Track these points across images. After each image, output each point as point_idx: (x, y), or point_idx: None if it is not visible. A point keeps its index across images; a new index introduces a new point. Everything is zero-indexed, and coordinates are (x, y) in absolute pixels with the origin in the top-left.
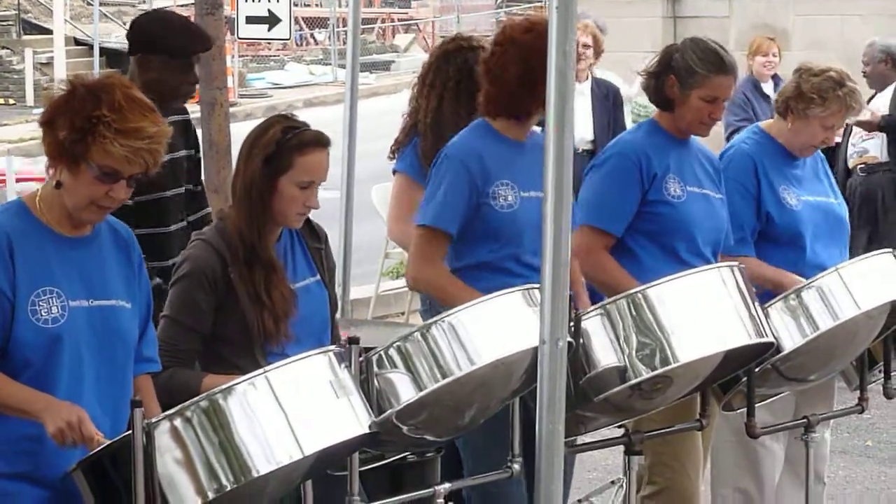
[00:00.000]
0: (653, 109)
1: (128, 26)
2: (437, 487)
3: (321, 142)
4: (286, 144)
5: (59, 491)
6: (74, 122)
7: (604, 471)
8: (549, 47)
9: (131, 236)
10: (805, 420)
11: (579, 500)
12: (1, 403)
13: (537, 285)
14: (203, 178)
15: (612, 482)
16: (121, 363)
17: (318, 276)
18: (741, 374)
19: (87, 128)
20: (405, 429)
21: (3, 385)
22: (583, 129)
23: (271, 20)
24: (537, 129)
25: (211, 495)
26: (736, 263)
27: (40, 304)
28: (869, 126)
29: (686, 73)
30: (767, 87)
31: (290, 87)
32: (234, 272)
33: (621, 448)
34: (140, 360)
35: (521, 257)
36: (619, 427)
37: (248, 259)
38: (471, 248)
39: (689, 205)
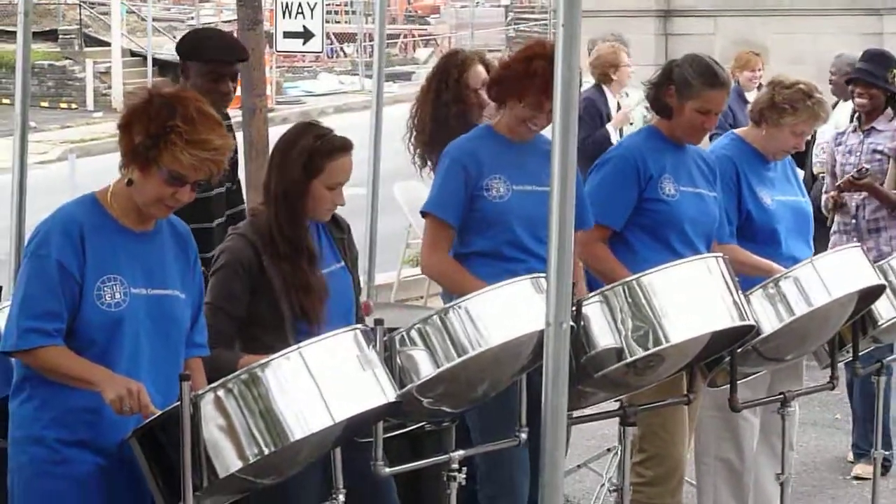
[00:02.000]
0: None
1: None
2: (452, 454)
3: (346, 147)
4: (318, 151)
5: (114, 458)
6: (150, 129)
7: (601, 439)
8: (555, 60)
9: (188, 233)
10: (782, 395)
11: (579, 465)
12: (66, 374)
13: (543, 274)
14: (244, 176)
15: (609, 450)
16: (173, 346)
17: (343, 263)
18: (725, 353)
19: (161, 135)
20: (424, 401)
21: (69, 359)
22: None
23: (306, 35)
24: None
25: (251, 459)
26: (721, 254)
27: (105, 289)
28: None
29: (683, 86)
30: (751, 96)
31: (321, 95)
32: (266, 260)
33: (616, 419)
34: (191, 344)
35: (515, 242)
36: (616, 401)
37: (289, 251)
38: (471, 237)
39: (681, 203)
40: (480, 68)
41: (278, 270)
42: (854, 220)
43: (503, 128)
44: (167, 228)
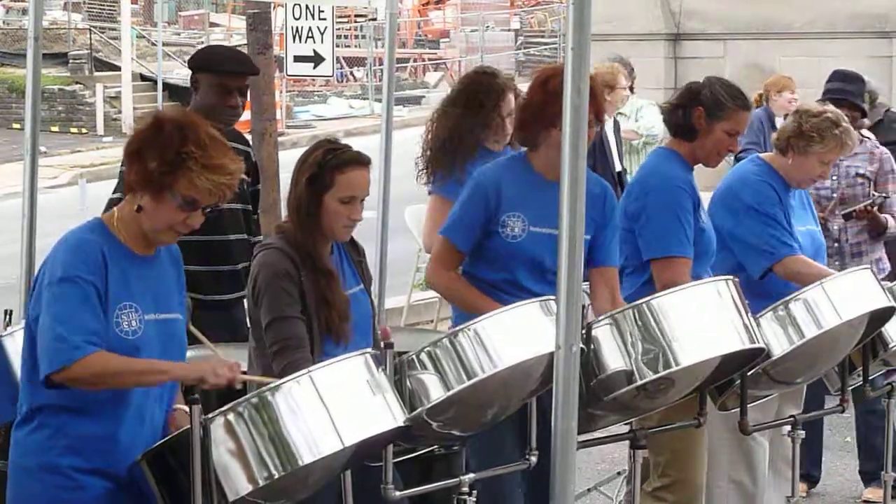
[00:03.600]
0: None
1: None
2: (462, 477)
3: (359, 160)
4: (327, 165)
5: (125, 483)
6: (165, 156)
7: (611, 462)
8: (564, 85)
9: (179, 254)
10: (792, 418)
11: (589, 489)
12: (131, 370)
13: (553, 297)
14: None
15: (619, 473)
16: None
17: (362, 286)
18: (735, 377)
19: (178, 162)
20: (434, 425)
21: (126, 358)
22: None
23: (316, 59)
24: None
25: (261, 482)
26: (731, 277)
27: (123, 316)
28: None
29: (715, 107)
30: (779, 122)
31: (331, 119)
32: (304, 274)
33: (626, 442)
34: None
35: (515, 282)
36: (625, 424)
37: (312, 265)
38: (476, 262)
39: (707, 231)
40: (511, 96)
41: (312, 285)
42: (837, 244)
43: (540, 165)
44: (164, 251)
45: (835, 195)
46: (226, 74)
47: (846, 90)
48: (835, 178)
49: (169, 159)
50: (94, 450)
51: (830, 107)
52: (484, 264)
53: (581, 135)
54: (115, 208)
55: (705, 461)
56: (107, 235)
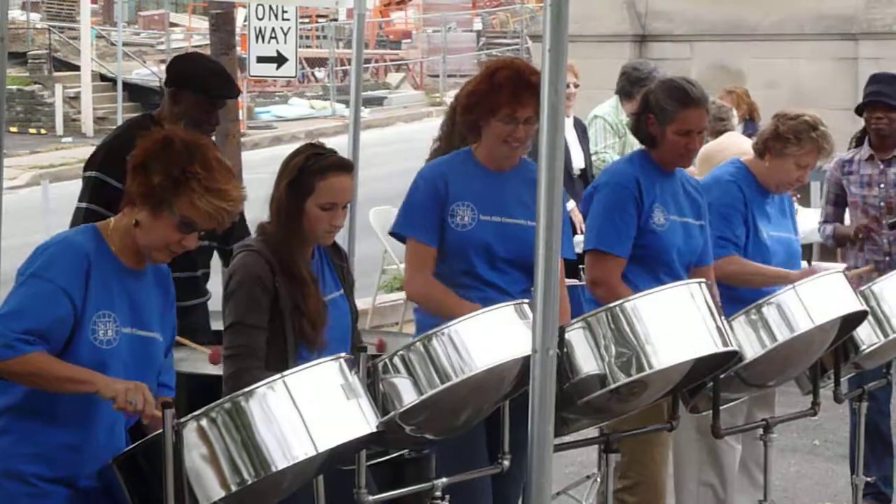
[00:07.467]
0: None
1: (167, 62)
2: (435, 482)
3: (342, 167)
4: (308, 170)
5: (90, 492)
6: (172, 172)
7: (580, 466)
8: (541, 85)
9: (169, 274)
10: (764, 422)
11: (557, 493)
12: (58, 376)
13: (526, 300)
14: None
15: (588, 477)
16: (148, 386)
17: (342, 291)
18: (707, 380)
19: (182, 180)
20: (407, 428)
21: (58, 362)
22: (576, 158)
23: (279, 60)
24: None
25: (234, 488)
26: (703, 280)
27: (100, 324)
28: None
29: (659, 112)
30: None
31: (293, 120)
32: (279, 280)
33: (594, 446)
34: (159, 385)
35: (471, 272)
36: (596, 428)
37: (288, 271)
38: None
39: (670, 233)
40: None
41: (287, 291)
42: (888, 258)
43: (482, 155)
44: (152, 268)
45: (882, 204)
46: (216, 96)
47: (882, 92)
48: (882, 185)
49: (174, 176)
50: (59, 459)
51: (808, 110)
52: (438, 259)
53: (559, 133)
54: (111, 218)
55: (667, 461)
56: (99, 242)
